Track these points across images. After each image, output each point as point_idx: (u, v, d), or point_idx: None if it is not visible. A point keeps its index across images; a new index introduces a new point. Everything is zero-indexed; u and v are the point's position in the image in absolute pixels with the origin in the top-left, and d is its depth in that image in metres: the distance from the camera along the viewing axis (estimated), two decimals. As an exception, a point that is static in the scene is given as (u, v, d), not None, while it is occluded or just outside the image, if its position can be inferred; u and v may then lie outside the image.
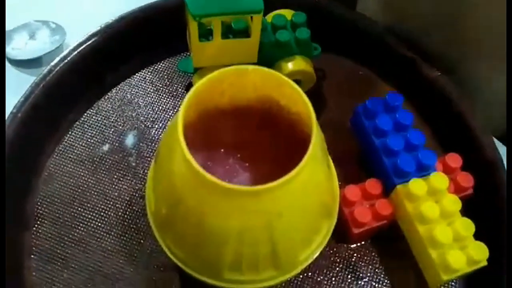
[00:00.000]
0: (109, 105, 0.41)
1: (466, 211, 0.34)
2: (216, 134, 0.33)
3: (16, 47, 0.44)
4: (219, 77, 0.27)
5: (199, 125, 0.30)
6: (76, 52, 0.40)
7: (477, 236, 0.32)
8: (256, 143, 0.33)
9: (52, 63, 0.39)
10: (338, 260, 0.35)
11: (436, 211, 0.32)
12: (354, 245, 0.36)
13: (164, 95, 0.42)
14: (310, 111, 0.26)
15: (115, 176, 0.38)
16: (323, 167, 0.27)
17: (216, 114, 0.31)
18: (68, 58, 0.39)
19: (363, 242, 0.36)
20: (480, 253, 0.31)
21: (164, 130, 0.40)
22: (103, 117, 0.41)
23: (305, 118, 0.27)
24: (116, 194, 0.37)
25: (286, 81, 0.27)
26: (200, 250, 0.27)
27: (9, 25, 0.44)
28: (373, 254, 0.36)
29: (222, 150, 0.33)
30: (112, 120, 0.41)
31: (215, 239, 0.25)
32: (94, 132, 0.40)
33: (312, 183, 0.25)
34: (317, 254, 0.30)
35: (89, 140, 0.40)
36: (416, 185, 0.32)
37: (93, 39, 0.40)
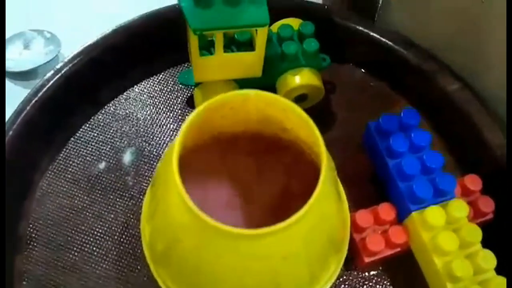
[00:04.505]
0: (105, 120, 0.39)
1: (486, 238, 0.31)
2: (217, 160, 0.31)
3: (11, 58, 0.42)
4: (219, 103, 0.25)
5: (199, 151, 0.28)
6: (71, 65, 0.38)
7: (499, 267, 0.29)
8: (261, 170, 0.31)
9: (45, 77, 0.37)
10: (348, 289, 0.33)
11: (455, 242, 0.29)
12: (365, 273, 0.34)
13: (164, 109, 0.40)
14: (318, 139, 0.24)
15: (111, 197, 0.36)
16: (333, 201, 0.25)
17: (217, 140, 0.29)
18: (62, 72, 0.37)
19: (374, 270, 0.34)
20: (502, 288, 0.28)
21: (164, 147, 0.38)
22: (99, 133, 0.39)
23: (313, 146, 0.25)
24: (112, 216, 0.35)
25: (291, 107, 0.25)
26: (198, 291, 0.25)
27: (2, 34, 0.42)
28: (385, 282, 0.34)
29: (223, 177, 0.31)
30: (108, 136, 0.39)
31: (214, 282, 0.23)
32: (90, 149, 0.38)
33: (321, 222, 0.23)
34: (326, 289, 0.28)
35: (84, 157, 0.38)
36: (434, 213, 0.30)
37: (88, 51, 0.38)
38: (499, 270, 0.30)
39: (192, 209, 0.21)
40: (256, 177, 0.31)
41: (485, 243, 0.31)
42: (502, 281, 0.29)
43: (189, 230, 0.22)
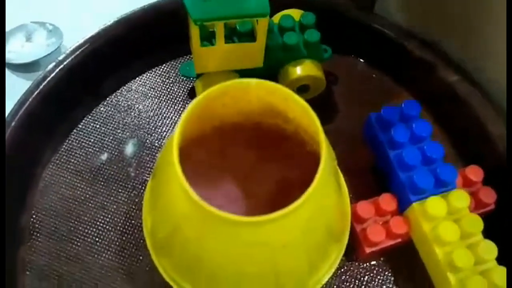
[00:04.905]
0: (108, 112, 0.39)
1: (488, 229, 0.31)
2: (218, 151, 0.31)
3: (12, 50, 0.42)
4: (220, 92, 0.25)
5: (200, 142, 0.28)
6: (73, 57, 0.38)
7: (501, 257, 0.29)
8: (263, 160, 0.31)
9: (47, 69, 0.37)
10: (349, 279, 0.33)
11: (456, 232, 0.29)
12: (366, 263, 0.34)
13: (165, 100, 0.40)
14: (318, 128, 0.24)
15: (114, 188, 0.36)
16: (332, 190, 0.25)
17: (218, 130, 0.29)
18: (65, 63, 0.37)
19: (375, 261, 0.34)
20: (502, 278, 0.28)
21: (165, 139, 0.38)
22: (101, 125, 0.39)
23: (314, 136, 0.25)
24: (114, 207, 0.36)
25: (292, 96, 0.25)
26: (199, 280, 0.25)
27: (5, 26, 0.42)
28: (386, 273, 0.34)
29: (224, 168, 0.31)
30: (111, 127, 0.39)
31: (215, 271, 0.23)
32: (92, 141, 0.38)
33: (320, 210, 0.23)
34: (326, 280, 0.28)
35: (86, 149, 0.38)
36: (434, 204, 0.30)
37: (90, 43, 0.38)
38: (501, 260, 0.30)
39: (192, 198, 0.21)
40: (258, 168, 0.31)
41: (487, 234, 0.31)
42: (503, 271, 0.29)
43: (189, 219, 0.22)
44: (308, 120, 0.24)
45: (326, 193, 0.24)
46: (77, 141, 0.38)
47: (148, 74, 0.41)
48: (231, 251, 0.22)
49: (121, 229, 0.35)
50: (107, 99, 0.40)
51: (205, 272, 0.24)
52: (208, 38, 0.34)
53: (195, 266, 0.24)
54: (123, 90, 0.40)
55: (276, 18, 0.37)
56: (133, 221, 0.35)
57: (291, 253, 0.23)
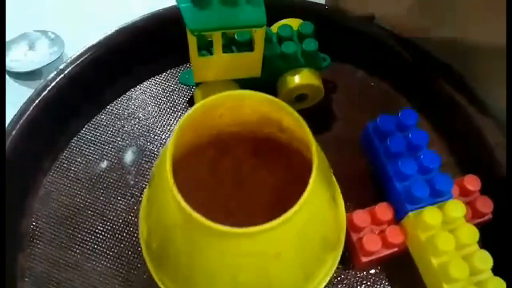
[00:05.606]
0: (108, 120, 0.40)
1: (484, 239, 0.31)
2: (215, 160, 0.31)
3: (15, 59, 0.43)
4: (214, 103, 0.25)
5: (198, 151, 0.28)
6: (74, 65, 0.38)
7: (496, 267, 0.29)
8: (259, 169, 0.31)
9: (49, 77, 0.37)
10: (345, 288, 0.33)
11: (452, 243, 0.29)
12: (363, 272, 0.34)
13: (165, 108, 0.40)
14: (310, 141, 0.24)
15: (113, 195, 0.37)
16: (326, 199, 0.25)
17: (215, 139, 0.29)
18: (65, 72, 0.38)
19: (372, 270, 0.34)
20: (498, 289, 0.28)
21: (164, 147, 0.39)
22: (101, 133, 0.39)
23: (308, 145, 0.25)
24: (113, 214, 0.36)
25: (284, 107, 0.25)
26: (193, 288, 0.25)
27: (7, 35, 0.43)
28: (383, 282, 0.34)
29: (220, 177, 0.31)
30: (111, 135, 0.39)
31: (208, 280, 0.23)
32: (92, 149, 0.38)
33: (313, 219, 0.23)
34: (322, 287, 0.28)
35: (87, 156, 0.38)
36: (431, 214, 0.30)
37: (91, 51, 0.39)
38: (497, 271, 0.29)
39: (185, 209, 0.21)
40: (255, 176, 0.32)
41: (484, 243, 0.30)
42: (498, 281, 0.29)
43: (181, 229, 0.22)
44: (301, 132, 0.24)
45: (319, 202, 0.24)
46: (77, 149, 0.38)
47: (148, 82, 0.42)
48: (223, 261, 0.22)
49: (120, 236, 0.35)
50: (108, 107, 0.40)
51: (198, 281, 0.24)
52: (206, 47, 0.35)
53: (188, 275, 0.25)
54: (123, 98, 0.41)
55: (275, 27, 0.37)
56: (131, 229, 0.35)
57: (284, 262, 0.23)
